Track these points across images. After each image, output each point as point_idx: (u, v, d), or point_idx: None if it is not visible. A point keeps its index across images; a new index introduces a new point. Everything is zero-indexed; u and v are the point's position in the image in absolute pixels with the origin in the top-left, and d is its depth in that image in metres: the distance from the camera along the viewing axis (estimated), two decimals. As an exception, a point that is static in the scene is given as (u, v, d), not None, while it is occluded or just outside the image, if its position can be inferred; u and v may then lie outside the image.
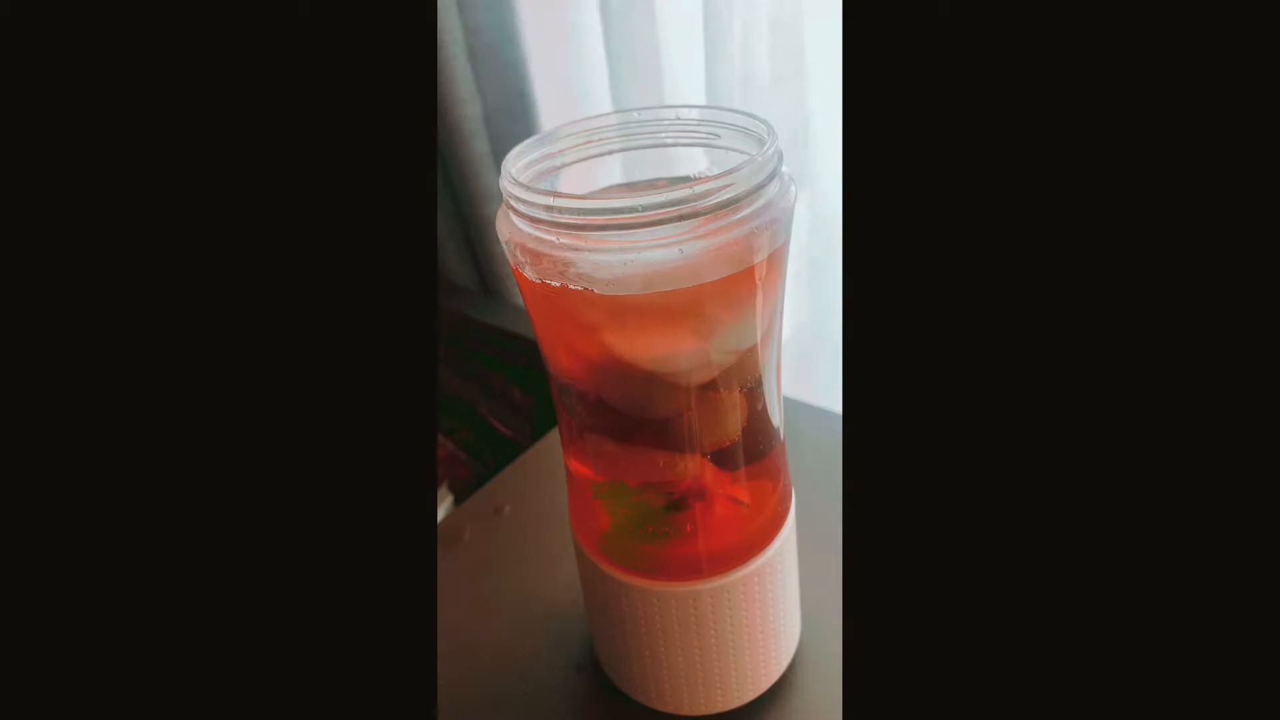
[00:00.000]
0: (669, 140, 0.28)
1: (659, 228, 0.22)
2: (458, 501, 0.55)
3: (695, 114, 0.27)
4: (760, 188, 0.23)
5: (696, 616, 0.30)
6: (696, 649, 0.31)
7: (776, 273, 0.25)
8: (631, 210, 0.22)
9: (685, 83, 0.57)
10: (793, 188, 0.25)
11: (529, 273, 0.24)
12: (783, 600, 0.32)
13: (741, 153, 0.26)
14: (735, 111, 0.26)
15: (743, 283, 0.24)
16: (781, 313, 0.27)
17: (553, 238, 0.23)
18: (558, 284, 0.23)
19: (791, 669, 0.35)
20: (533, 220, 0.23)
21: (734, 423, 0.28)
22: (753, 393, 0.27)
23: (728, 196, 0.22)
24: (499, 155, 0.65)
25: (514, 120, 0.62)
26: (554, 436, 0.53)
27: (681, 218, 0.22)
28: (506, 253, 0.25)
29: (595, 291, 0.23)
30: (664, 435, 0.27)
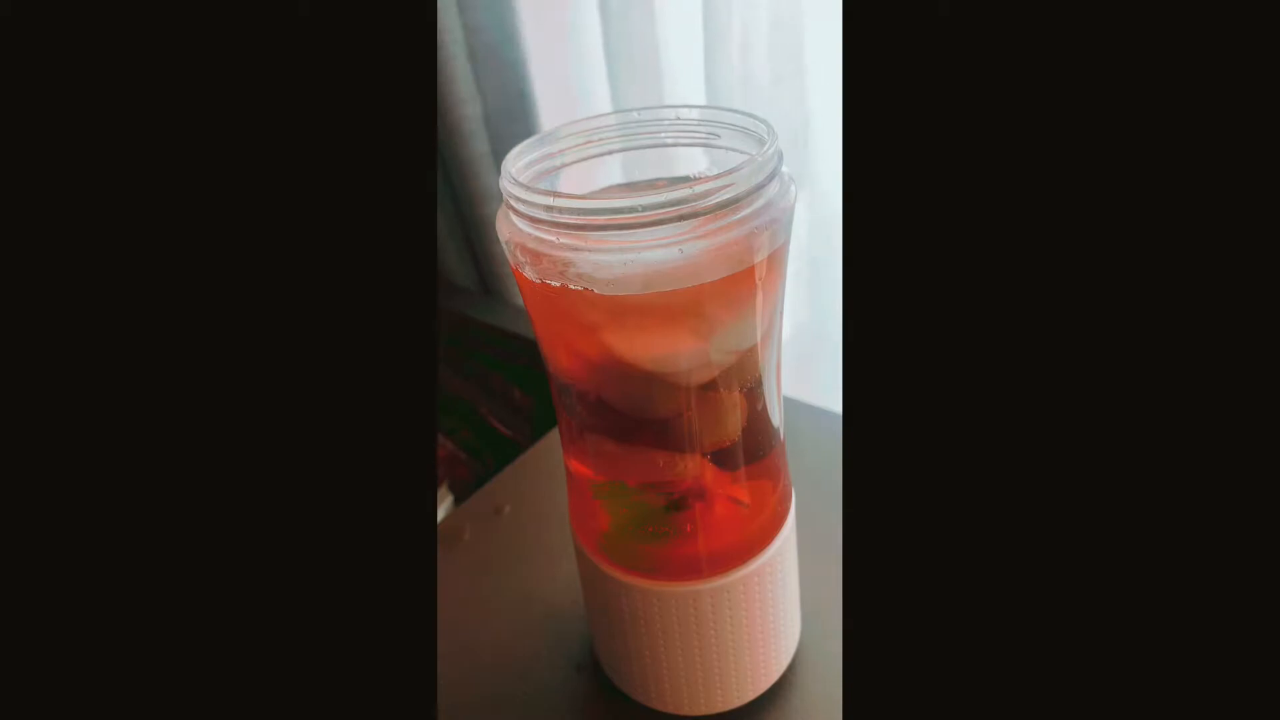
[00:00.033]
0: (669, 140, 0.28)
1: (659, 228, 0.22)
2: (458, 501, 0.55)
3: (695, 114, 0.27)
4: (760, 188, 0.23)
5: (696, 616, 0.30)
6: (696, 649, 0.31)
7: (776, 273, 0.25)
8: (631, 210, 0.22)
9: (685, 83, 0.57)
10: (793, 188, 0.25)
11: (529, 273, 0.24)
12: (783, 600, 0.32)
13: (741, 153, 0.26)
14: (735, 111, 0.26)
15: (743, 283, 0.24)
16: (781, 313, 0.27)
17: (553, 238, 0.23)
18: (558, 284, 0.23)
19: (791, 669, 0.35)
20: (533, 220, 0.23)
21: (734, 423, 0.28)
22: (753, 393, 0.27)
23: (728, 196, 0.22)
24: (499, 155, 0.65)
25: (514, 120, 0.62)
26: (554, 436, 0.53)
27: (681, 218, 0.22)
28: (506, 253, 0.25)
29: (595, 291, 0.23)
30: (664, 435, 0.27)
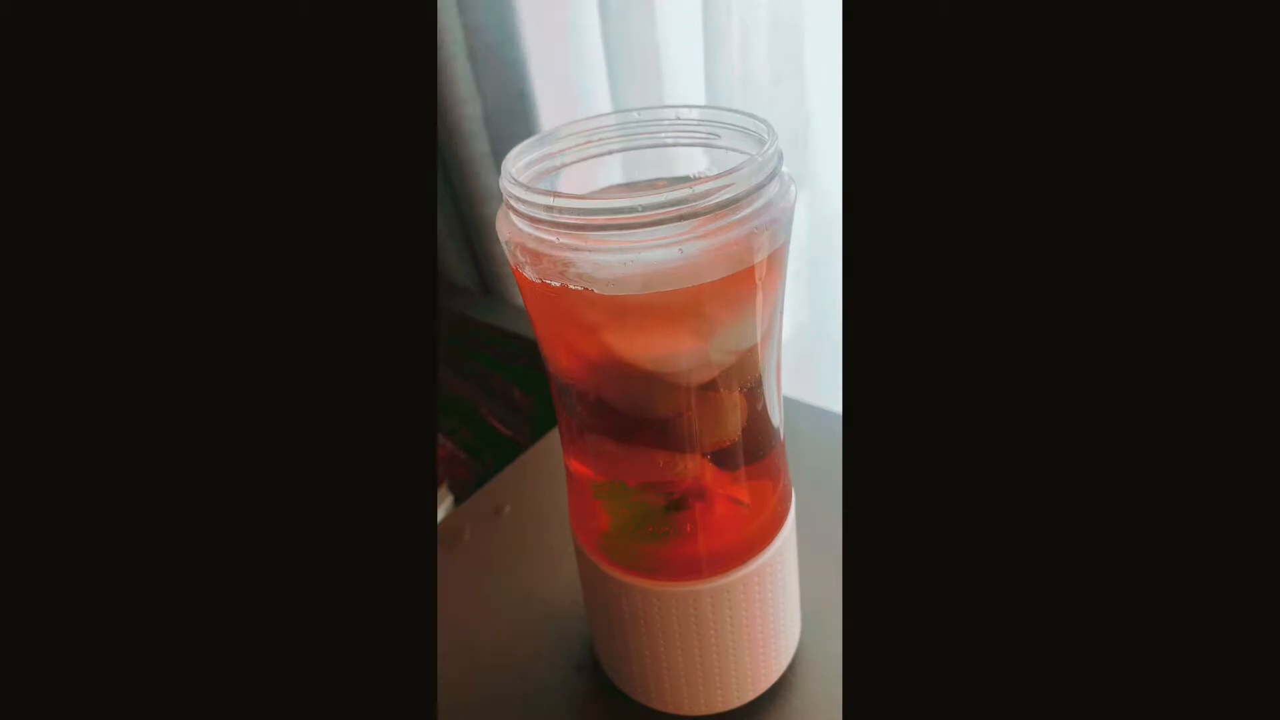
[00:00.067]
0: (669, 140, 0.28)
1: (659, 228, 0.22)
2: (458, 501, 0.55)
3: (695, 114, 0.27)
4: (760, 188, 0.23)
5: (696, 616, 0.30)
6: (696, 649, 0.31)
7: (776, 273, 0.25)
8: (631, 210, 0.22)
9: (685, 83, 0.57)
10: (793, 188, 0.25)
11: (529, 273, 0.24)
12: (783, 600, 0.32)
13: (741, 153, 0.26)
14: (735, 111, 0.26)
15: (743, 283, 0.24)
16: (781, 313, 0.27)
17: (553, 238, 0.23)
18: (558, 284, 0.23)
19: (791, 669, 0.35)
20: (533, 220, 0.23)
21: (734, 423, 0.28)
22: (753, 393, 0.27)
23: (728, 196, 0.22)
24: (499, 155, 0.65)
25: (514, 120, 0.62)
26: (554, 436, 0.53)
27: (681, 218, 0.22)
28: (506, 253, 0.25)
29: (595, 291, 0.23)
30: (664, 435, 0.27)
